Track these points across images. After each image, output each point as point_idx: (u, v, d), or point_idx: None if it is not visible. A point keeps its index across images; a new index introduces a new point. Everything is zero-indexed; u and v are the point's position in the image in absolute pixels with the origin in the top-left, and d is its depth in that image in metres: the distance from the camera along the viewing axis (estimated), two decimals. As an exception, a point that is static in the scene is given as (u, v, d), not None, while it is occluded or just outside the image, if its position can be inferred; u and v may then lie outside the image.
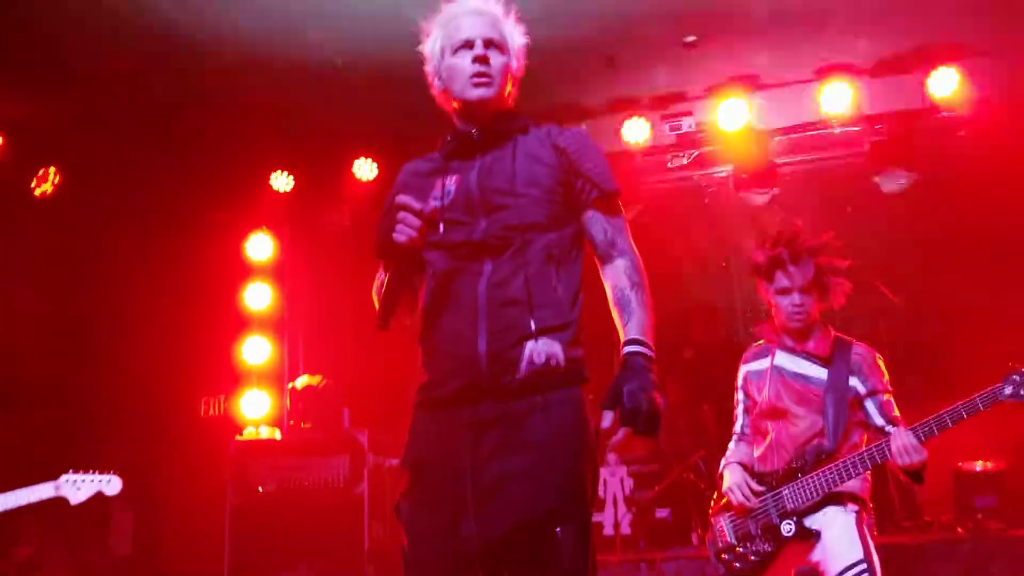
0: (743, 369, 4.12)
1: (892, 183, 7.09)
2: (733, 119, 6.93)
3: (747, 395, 4.08)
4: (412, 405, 2.52)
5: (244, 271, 7.99)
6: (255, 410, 7.53)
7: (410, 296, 2.57)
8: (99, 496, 4.68)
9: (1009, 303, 6.18)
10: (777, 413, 3.86)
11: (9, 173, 6.95)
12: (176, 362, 7.41)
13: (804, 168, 7.47)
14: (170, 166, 7.47)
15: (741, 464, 3.91)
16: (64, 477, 4.59)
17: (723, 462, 4.02)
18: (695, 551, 5.63)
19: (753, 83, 6.98)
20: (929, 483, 5.94)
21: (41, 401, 6.88)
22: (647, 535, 5.79)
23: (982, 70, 6.52)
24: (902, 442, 3.49)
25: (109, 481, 4.58)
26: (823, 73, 6.79)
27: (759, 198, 7.35)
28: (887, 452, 3.53)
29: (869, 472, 3.76)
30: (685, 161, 7.47)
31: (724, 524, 3.87)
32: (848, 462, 3.62)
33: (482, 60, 2.54)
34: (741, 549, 3.76)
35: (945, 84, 6.52)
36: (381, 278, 2.55)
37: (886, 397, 3.80)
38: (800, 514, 3.66)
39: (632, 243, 2.57)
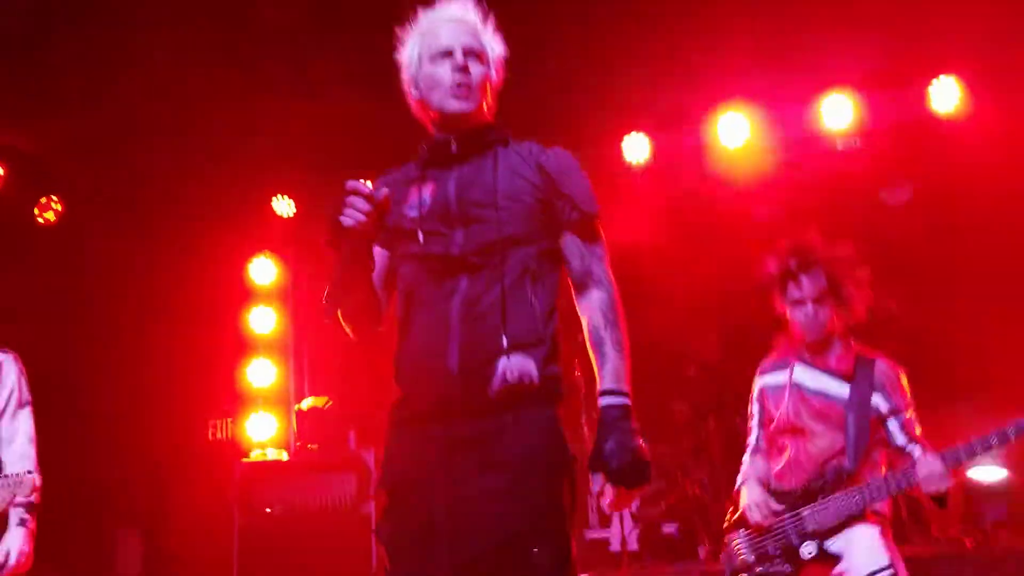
0: (759, 382, 4.04)
1: (895, 196, 7.09)
2: (734, 135, 6.93)
3: (763, 408, 3.99)
4: (375, 425, 2.50)
5: (248, 295, 8.00)
6: (262, 432, 7.53)
7: (373, 302, 2.53)
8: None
9: (1013, 314, 6.16)
10: (795, 430, 3.78)
11: (11, 202, 6.97)
12: (182, 386, 7.41)
13: (807, 182, 7.45)
14: (172, 192, 7.49)
15: (759, 481, 3.82)
16: None
17: (740, 477, 3.92)
18: (703, 566, 5.60)
19: (754, 99, 6.99)
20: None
21: (44, 423, 6.86)
22: (654, 550, 5.76)
23: (983, 81, 6.52)
24: (929, 470, 3.42)
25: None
26: (823, 87, 6.81)
27: (762, 214, 7.34)
28: (913, 479, 3.45)
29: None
30: (686, 178, 7.46)
31: (741, 542, 3.76)
32: (873, 487, 3.53)
33: (462, 70, 2.49)
34: (760, 569, 3.66)
35: (946, 96, 6.52)
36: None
37: (908, 415, 3.71)
38: (821, 535, 3.58)
39: (609, 271, 2.50)
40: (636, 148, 7.15)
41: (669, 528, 5.78)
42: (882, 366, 3.77)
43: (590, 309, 2.47)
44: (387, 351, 2.57)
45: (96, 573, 6.82)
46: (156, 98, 6.25)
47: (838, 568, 3.55)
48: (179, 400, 7.42)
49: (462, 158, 2.54)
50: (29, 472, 3.85)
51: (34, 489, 3.83)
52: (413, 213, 2.50)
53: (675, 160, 7.36)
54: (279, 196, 7.77)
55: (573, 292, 2.53)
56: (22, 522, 3.91)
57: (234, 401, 7.75)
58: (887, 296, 6.14)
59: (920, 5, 5.82)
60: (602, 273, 2.49)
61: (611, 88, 6.65)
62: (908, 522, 5.80)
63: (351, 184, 2.30)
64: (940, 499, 3.50)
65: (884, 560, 3.45)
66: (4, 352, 4.31)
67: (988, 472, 5.82)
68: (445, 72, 2.50)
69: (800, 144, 7.16)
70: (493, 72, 2.60)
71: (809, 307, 3.76)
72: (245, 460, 6.75)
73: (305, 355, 8.16)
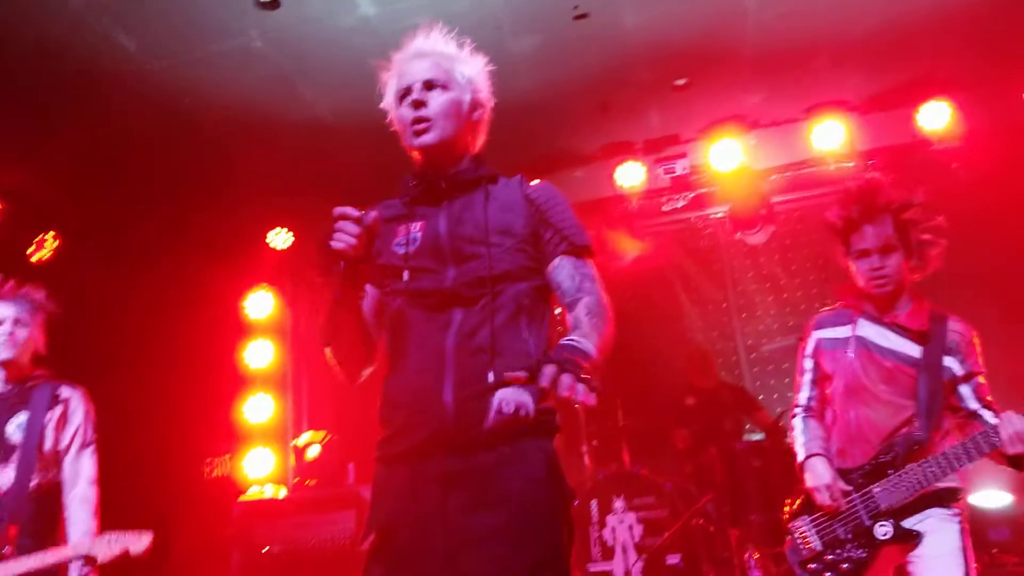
0: (815, 335, 3.68)
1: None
2: (727, 160, 6.96)
3: (817, 365, 3.65)
4: (374, 460, 2.43)
5: (244, 329, 7.97)
6: (259, 469, 7.47)
7: (364, 337, 2.50)
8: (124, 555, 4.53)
9: (1004, 334, 6.15)
10: (856, 393, 3.45)
11: (6, 239, 6.95)
12: (178, 423, 7.36)
13: (800, 206, 7.50)
14: (167, 228, 7.49)
15: (825, 456, 3.46)
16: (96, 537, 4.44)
17: (801, 449, 3.54)
18: (708, 597, 5.56)
19: (746, 123, 7.03)
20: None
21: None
22: (659, 582, 5.70)
23: (973, 103, 6.56)
24: (1014, 429, 3.11)
25: (138, 539, 4.41)
26: (814, 111, 6.85)
27: (756, 238, 7.35)
28: (995, 441, 3.16)
29: None
30: (681, 204, 7.47)
31: (807, 529, 3.44)
32: (951, 454, 3.21)
33: (416, 105, 2.49)
34: (831, 556, 3.35)
35: (936, 118, 6.57)
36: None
37: (981, 380, 3.42)
38: (895, 514, 3.29)
39: (602, 289, 2.45)
40: (630, 175, 7.16)
41: (673, 559, 5.71)
42: (955, 325, 3.46)
43: (577, 310, 2.39)
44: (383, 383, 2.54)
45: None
46: (150, 135, 6.24)
47: (913, 568, 3.31)
48: (177, 437, 7.37)
49: (452, 195, 2.53)
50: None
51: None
52: (401, 251, 2.49)
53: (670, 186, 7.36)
54: (275, 229, 7.77)
55: (565, 312, 2.46)
56: None
57: (232, 437, 7.69)
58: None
59: (910, 31, 5.85)
60: (593, 287, 2.44)
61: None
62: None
63: (339, 210, 2.33)
64: (1018, 460, 3.21)
65: (959, 573, 3.23)
66: (73, 388, 4.34)
67: (993, 497, 5.78)
68: (406, 111, 2.52)
69: (793, 168, 7.17)
70: (467, 95, 2.58)
71: (875, 258, 3.45)
72: (242, 499, 6.68)
73: (303, 389, 8.13)
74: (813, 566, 3.41)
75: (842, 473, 3.44)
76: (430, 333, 2.37)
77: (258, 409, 7.73)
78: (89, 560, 3.98)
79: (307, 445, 6.85)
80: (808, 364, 3.71)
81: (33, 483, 4.05)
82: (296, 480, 7.04)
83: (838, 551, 3.37)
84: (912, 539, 3.28)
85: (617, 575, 5.79)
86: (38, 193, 7.02)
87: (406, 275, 2.44)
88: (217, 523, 6.64)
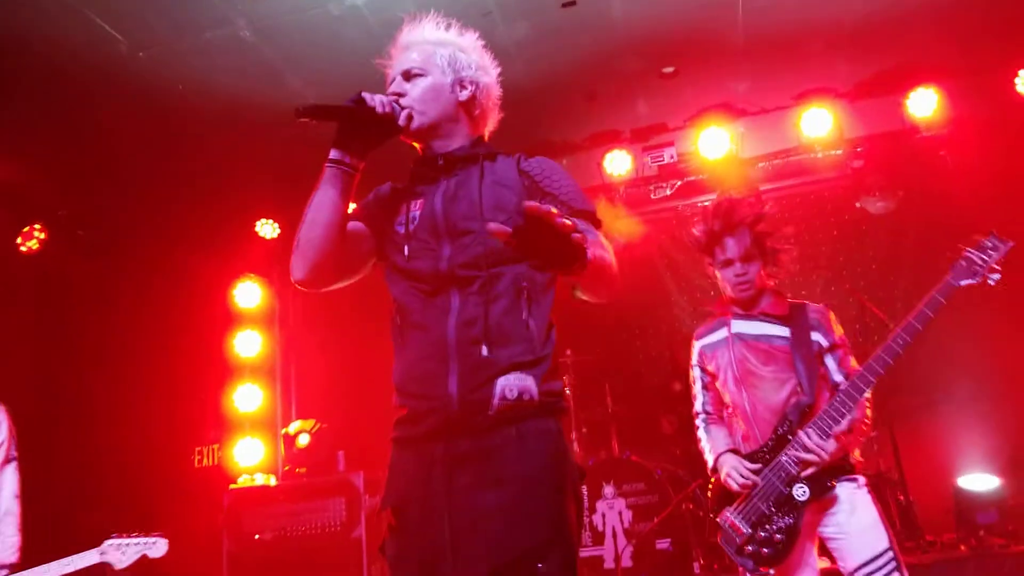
0: (697, 345, 4.05)
1: (876, 204, 7.15)
2: (715, 148, 6.97)
3: (703, 370, 4.00)
4: (390, 440, 2.46)
5: (233, 319, 7.96)
6: (249, 458, 7.48)
7: (340, 224, 2.42)
8: (143, 560, 4.53)
9: (995, 319, 6.20)
10: (745, 379, 3.78)
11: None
12: (168, 413, 7.37)
13: (788, 193, 7.52)
14: (155, 218, 7.48)
15: (731, 449, 3.78)
16: (108, 542, 4.41)
17: (710, 455, 3.86)
18: (698, 581, 5.60)
19: (734, 111, 7.05)
20: (929, 501, 5.99)
21: (29, 453, 6.81)
22: (649, 567, 5.73)
23: (960, 89, 6.60)
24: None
25: (155, 543, 4.42)
26: (803, 98, 6.88)
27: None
28: (872, 373, 3.47)
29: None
30: (668, 192, 7.48)
31: (733, 518, 3.66)
32: (837, 402, 3.51)
33: (393, 94, 2.51)
34: (763, 533, 3.57)
35: (924, 104, 6.60)
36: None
37: (843, 352, 3.77)
38: (807, 476, 3.53)
39: (610, 250, 2.41)
40: (618, 163, 7.18)
41: (663, 544, 5.75)
42: (813, 307, 3.87)
43: None
44: (375, 372, 2.55)
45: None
46: (138, 124, 6.22)
47: (833, 522, 3.57)
48: (165, 427, 7.37)
49: (448, 173, 2.55)
50: None
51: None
52: (401, 229, 2.51)
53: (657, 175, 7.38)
54: (263, 219, 7.76)
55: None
56: None
57: (221, 427, 7.70)
58: (872, 302, 6.19)
59: (898, 18, 5.87)
60: (598, 241, 2.39)
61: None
62: (901, 529, 5.81)
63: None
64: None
65: (884, 543, 3.49)
66: None
67: (981, 480, 5.85)
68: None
69: (781, 155, 7.20)
70: (447, 76, 2.58)
71: (737, 266, 3.85)
72: (233, 487, 6.69)
73: (292, 378, 8.13)
74: (750, 548, 3.59)
75: (752, 455, 3.69)
76: (431, 319, 2.38)
77: (247, 398, 7.74)
78: None
79: (297, 433, 6.86)
80: (696, 372, 4.06)
81: None
82: (287, 468, 7.04)
83: (767, 526, 3.58)
84: (827, 491, 3.53)
85: (607, 560, 5.82)
86: (25, 184, 6.99)
87: (407, 250, 2.45)
88: (208, 512, 6.65)
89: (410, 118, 2.49)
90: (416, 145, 2.63)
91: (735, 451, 3.76)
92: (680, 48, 6.07)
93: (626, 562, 5.76)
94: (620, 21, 5.62)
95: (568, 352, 6.66)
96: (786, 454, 3.57)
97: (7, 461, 4.27)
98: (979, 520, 5.63)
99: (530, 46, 5.71)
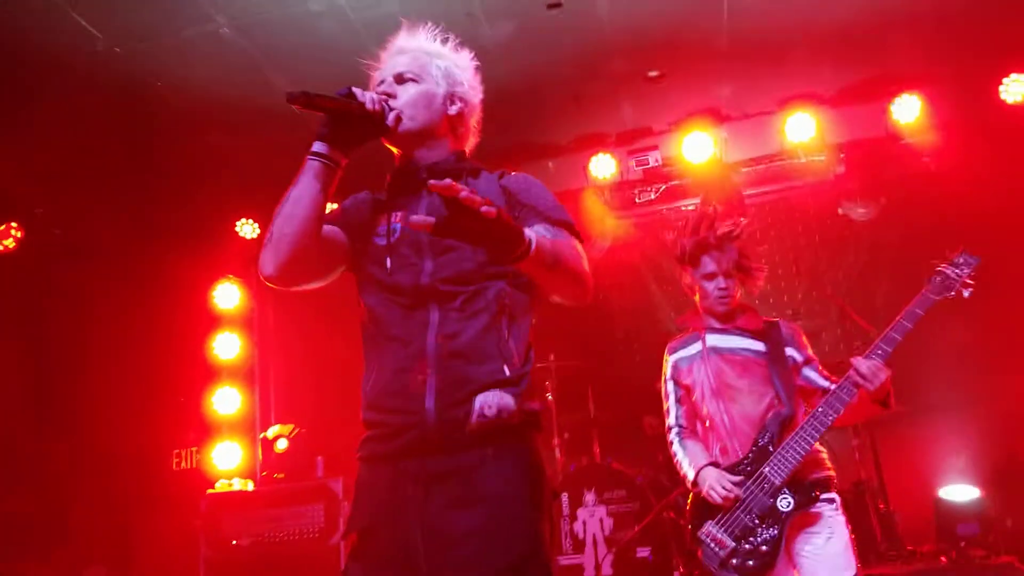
0: (671, 359, 4.04)
1: (859, 210, 7.15)
2: (699, 152, 6.96)
3: (677, 384, 3.99)
4: (356, 459, 2.39)
5: (212, 321, 7.88)
6: (227, 461, 7.39)
7: (316, 220, 2.34)
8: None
9: (978, 326, 6.21)
10: (722, 392, 3.77)
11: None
12: (145, 415, 7.30)
13: (772, 198, 7.53)
14: (134, 217, 7.40)
15: (710, 462, 3.74)
16: None
17: (689, 469, 3.79)
18: (678, 589, 5.56)
19: (718, 116, 7.05)
20: (910, 512, 5.98)
21: (5, 456, 6.74)
22: (629, 575, 5.70)
23: (943, 96, 6.61)
24: (867, 366, 3.44)
25: None
26: (787, 103, 6.87)
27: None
28: (855, 383, 3.47)
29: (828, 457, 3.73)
30: (653, 196, 7.48)
31: (716, 532, 3.61)
32: (819, 412, 3.52)
33: (383, 93, 2.45)
34: (747, 546, 3.53)
35: (907, 111, 6.61)
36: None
37: (818, 364, 3.83)
38: (790, 486, 3.53)
39: (583, 257, 2.37)
40: (603, 166, 7.16)
41: (643, 552, 5.70)
42: (784, 324, 3.92)
43: None
44: (355, 377, 2.49)
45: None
46: (115, 122, 6.14)
47: (812, 536, 3.58)
48: (144, 429, 7.30)
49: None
50: None
51: None
52: (382, 241, 2.45)
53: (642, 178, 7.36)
54: (243, 220, 7.69)
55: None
56: None
57: (199, 429, 7.61)
58: (853, 310, 6.18)
59: (883, 24, 5.87)
60: (570, 246, 2.36)
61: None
62: (882, 539, 5.80)
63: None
64: (884, 401, 3.53)
65: (851, 571, 3.51)
66: None
67: (961, 491, 5.85)
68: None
69: (765, 160, 7.20)
70: (440, 87, 2.54)
71: (721, 280, 3.87)
72: (211, 491, 6.61)
73: (271, 381, 8.05)
74: (734, 561, 3.55)
75: (731, 468, 3.66)
76: (409, 332, 2.33)
77: (226, 401, 7.65)
78: None
79: (276, 438, 6.79)
80: (670, 387, 4.03)
81: None
82: (264, 473, 6.97)
83: (751, 538, 3.54)
84: (812, 502, 3.54)
85: (587, 568, 5.78)
86: (2, 182, 6.90)
87: (389, 262, 2.40)
88: (185, 515, 6.57)
89: (398, 120, 2.42)
90: (395, 151, 2.57)
91: (715, 464, 3.73)
92: (665, 52, 6.05)
93: (606, 570, 5.71)
94: (606, 24, 5.59)
95: (551, 357, 6.62)
96: (768, 465, 3.55)
97: None
98: (960, 531, 5.62)
99: (515, 47, 5.67)
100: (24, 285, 7.32)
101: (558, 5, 5.32)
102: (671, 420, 3.99)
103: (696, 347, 3.94)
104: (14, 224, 7.22)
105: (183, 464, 7.69)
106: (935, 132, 6.59)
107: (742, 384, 3.76)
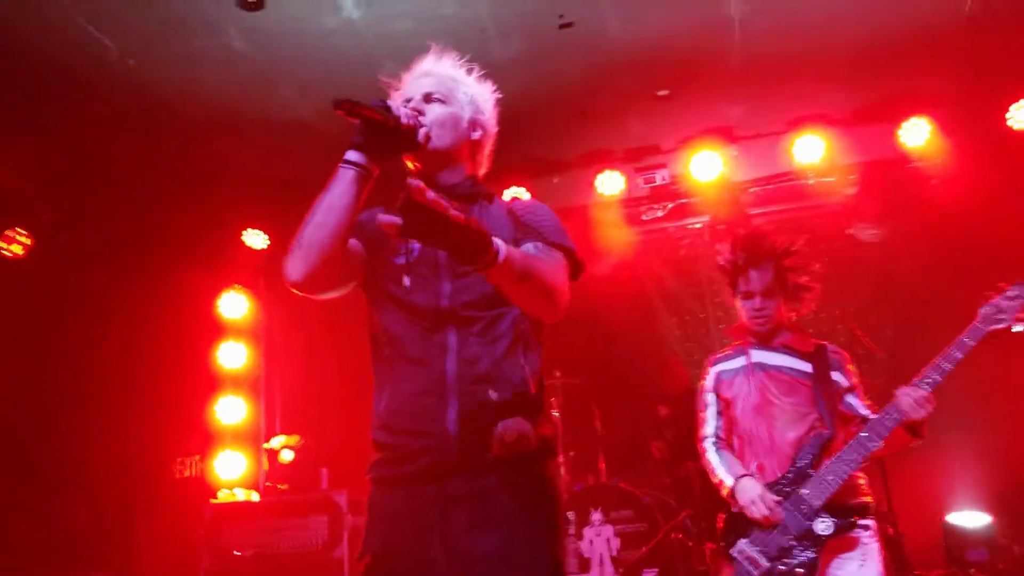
0: (713, 371, 4.02)
1: (867, 232, 7.14)
2: (707, 171, 6.96)
3: (718, 396, 3.96)
4: (368, 480, 2.40)
5: (218, 330, 7.88)
6: (230, 471, 7.38)
7: (344, 229, 2.32)
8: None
9: (988, 350, 6.18)
10: (764, 409, 3.76)
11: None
12: (150, 423, 7.28)
13: (779, 219, 7.50)
14: (142, 225, 7.41)
15: (748, 475, 3.70)
16: None
17: (726, 477, 3.75)
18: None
19: (727, 135, 7.04)
20: (918, 537, 5.95)
21: (9, 462, 6.74)
22: (635, 596, 5.68)
23: (952, 121, 6.60)
24: (915, 396, 3.46)
25: None
26: (796, 124, 6.87)
27: (724, 249, 7.36)
28: (897, 414, 3.48)
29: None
30: (660, 213, 7.47)
31: (749, 551, 3.58)
32: (862, 438, 3.52)
33: (413, 110, 2.46)
34: (782, 567, 3.49)
35: (917, 134, 6.62)
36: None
37: (861, 393, 3.80)
38: (829, 509, 3.50)
39: (563, 276, 2.38)
40: (610, 183, 7.16)
41: (650, 573, 5.68)
42: (832, 348, 3.89)
43: None
44: (361, 390, 2.49)
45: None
46: (126, 131, 6.16)
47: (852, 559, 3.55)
48: (148, 437, 7.28)
49: None
50: None
51: None
52: (400, 260, 2.45)
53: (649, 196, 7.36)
54: (251, 230, 7.70)
55: None
56: None
57: (203, 438, 7.60)
58: (863, 333, 6.16)
59: (894, 48, 5.87)
60: (553, 263, 2.37)
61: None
62: (891, 565, 5.77)
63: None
64: (918, 429, 3.55)
65: None
66: None
67: (971, 517, 5.82)
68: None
69: (773, 180, 7.20)
70: (465, 111, 2.58)
71: (757, 300, 3.85)
72: (214, 501, 6.60)
73: (276, 392, 8.04)
74: None
75: (768, 487, 3.64)
76: (428, 355, 2.34)
77: (231, 410, 7.65)
78: None
79: (280, 449, 6.79)
80: (710, 398, 4.00)
81: None
82: (268, 484, 6.95)
83: (787, 559, 3.51)
84: (851, 528, 3.51)
85: (593, 588, 5.76)
86: (9, 187, 6.92)
87: (407, 281, 2.40)
88: (187, 524, 6.56)
89: (428, 137, 2.44)
90: (411, 168, 2.58)
91: (753, 476, 3.68)
92: (675, 71, 6.05)
93: (612, 590, 5.69)
94: (617, 42, 5.60)
95: (557, 374, 6.61)
96: (808, 487, 3.54)
97: None
98: (969, 557, 5.60)
99: (525, 64, 5.68)
100: (31, 291, 7.33)
101: (569, 25, 5.34)
102: (708, 430, 3.95)
103: (740, 361, 3.92)
104: (21, 230, 7.23)
105: (186, 472, 7.68)
106: (944, 156, 6.59)
107: (785, 403, 3.74)
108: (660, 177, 7.27)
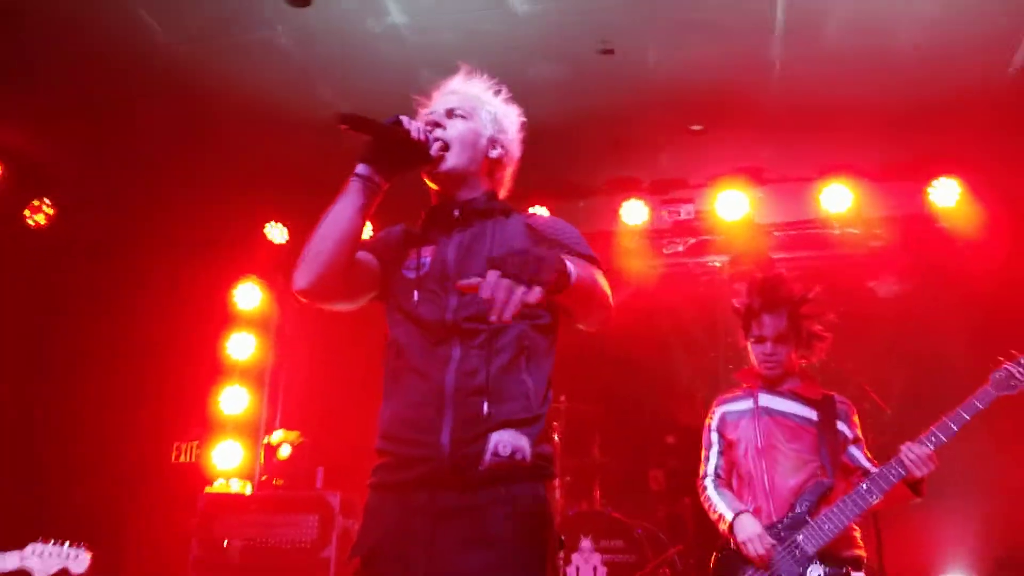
0: (719, 410, 4.06)
1: (887, 288, 7.11)
2: (733, 210, 6.95)
3: (722, 436, 4.00)
4: (367, 485, 2.42)
5: (230, 319, 7.91)
6: (227, 461, 7.39)
7: (354, 238, 2.40)
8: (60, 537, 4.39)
9: (988, 414, 6.13)
10: (767, 453, 3.77)
11: (4, 201, 6.89)
12: (151, 405, 7.30)
13: (800, 265, 7.47)
14: (166, 209, 7.44)
15: (747, 512, 3.73)
16: (31, 547, 4.22)
17: (726, 511, 3.77)
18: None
19: (756, 176, 7.02)
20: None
21: (7, 434, 6.76)
22: (619, 628, 5.64)
23: (984, 183, 6.57)
24: (918, 453, 3.49)
25: (77, 556, 4.29)
26: (826, 172, 6.84)
27: (740, 291, 7.34)
28: (900, 469, 3.51)
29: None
30: (680, 248, 7.47)
31: None
32: (862, 490, 3.54)
33: (429, 124, 2.51)
34: None
35: (946, 195, 6.58)
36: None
37: (864, 446, 3.86)
38: (823, 558, 3.52)
39: (605, 285, 2.38)
40: (634, 213, 7.16)
41: (633, 606, 5.65)
42: (841, 399, 3.94)
43: None
44: (365, 395, 2.50)
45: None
46: (162, 115, 6.20)
47: None
48: (147, 419, 7.29)
49: (464, 225, 2.54)
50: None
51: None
52: (411, 275, 2.49)
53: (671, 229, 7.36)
54: (273, 223, 7.72)
55: None
56: None
57: (203, 426, 7.62)
58: (872, 389, 6.13)
59: (931, 106, 5.86)
60: (592, 273, 2.34)
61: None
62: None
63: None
64: (919, 486, 3.59)
65: None
66: None
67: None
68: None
69: (798, 226, 7.18)
70: (487, 130, 2.61)
71: (768, 345, 3.90)
72: (209, 490, 6.61)
73: (281, 386, 8.06)
74: None
75: (764, 529, 3.66)
76: (429, 367, 2.35)
77: (233, 401, 7.67)
78: None
79: (279, 444, 6.79)
80: (714, 437, 4.05)
81: None
82: (264, 478, 6.95)
83: None
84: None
85: (583, 618, 5.71)
86: (41, 157, 6.98)
87: (416, 295, 2.43)
88: (179, 510, 6.57)
89: (443, 153, 2.47)
90: (432, 186, 2.61)
91: (752, 514, 3.70)
92: (711, 107, 6.05)
93: (596, 619, 5.66)
94: (655, 74, 5.61)
95: (562, 398, 6.60)
96: (803, 533, 3.54)
97: None
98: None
99: (562, 86, 5.69)
100: (49, 261, 7.37)
101: (610, 52, 5.36)
102: (708, 468, 3.99)
103: (747, 404, 3.95)
104: (47, 200, 7.28)
105: (182, 458, 7.68)
106: (972, 219, 6.56)
107: (789, 448, 3.77)
108: (685, 211, 7.26)
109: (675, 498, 6.34)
